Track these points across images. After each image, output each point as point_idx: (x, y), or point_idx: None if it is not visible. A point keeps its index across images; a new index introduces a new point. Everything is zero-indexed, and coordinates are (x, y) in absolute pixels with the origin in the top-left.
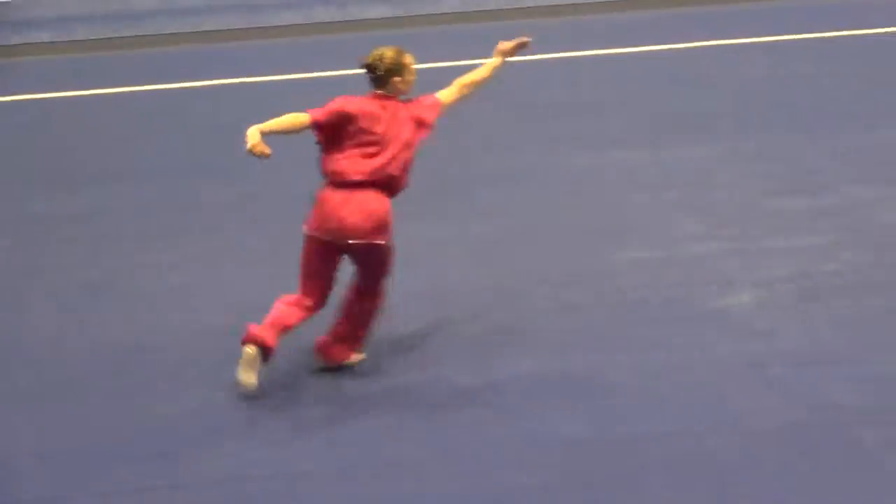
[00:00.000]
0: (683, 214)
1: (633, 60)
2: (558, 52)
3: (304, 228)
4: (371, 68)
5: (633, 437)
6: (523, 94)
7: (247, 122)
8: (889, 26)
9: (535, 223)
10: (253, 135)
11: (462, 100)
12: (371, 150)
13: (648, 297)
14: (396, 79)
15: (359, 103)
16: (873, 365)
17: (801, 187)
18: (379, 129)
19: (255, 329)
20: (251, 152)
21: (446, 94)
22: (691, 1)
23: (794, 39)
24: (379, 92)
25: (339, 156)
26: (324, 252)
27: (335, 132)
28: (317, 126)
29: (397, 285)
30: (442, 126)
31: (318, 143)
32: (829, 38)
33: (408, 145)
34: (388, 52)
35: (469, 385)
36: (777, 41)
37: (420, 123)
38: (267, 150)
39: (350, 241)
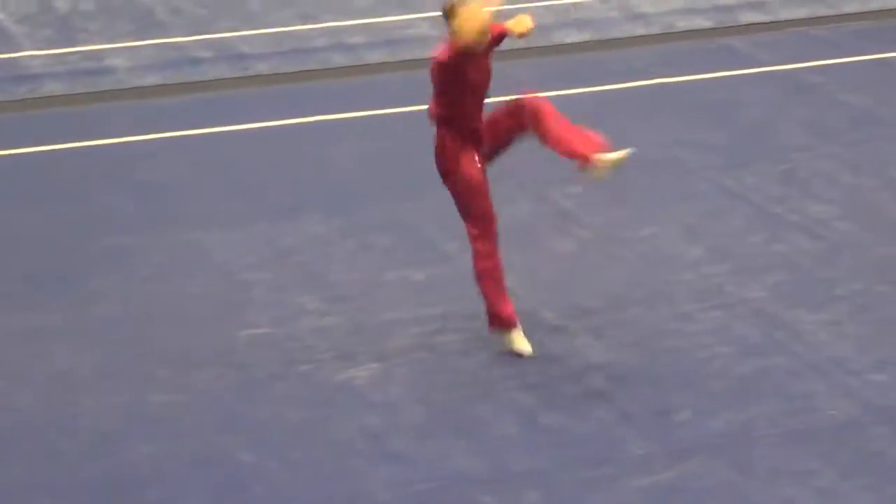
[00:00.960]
0: (303, 290)
1: (229, 139)
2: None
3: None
4: (442, 12)
5: None
6: (142, 174)
7: None
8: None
9: (151, 304)
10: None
11: None
12: None
13: (271, 373)
14: (452, 21)
15: None
16: (492, 432)
17: (417, 258)
18: None
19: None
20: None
21: None
22: (289, 79)
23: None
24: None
25: None
26: None
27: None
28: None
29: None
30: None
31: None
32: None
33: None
34: None
35: None
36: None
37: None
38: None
39: None
